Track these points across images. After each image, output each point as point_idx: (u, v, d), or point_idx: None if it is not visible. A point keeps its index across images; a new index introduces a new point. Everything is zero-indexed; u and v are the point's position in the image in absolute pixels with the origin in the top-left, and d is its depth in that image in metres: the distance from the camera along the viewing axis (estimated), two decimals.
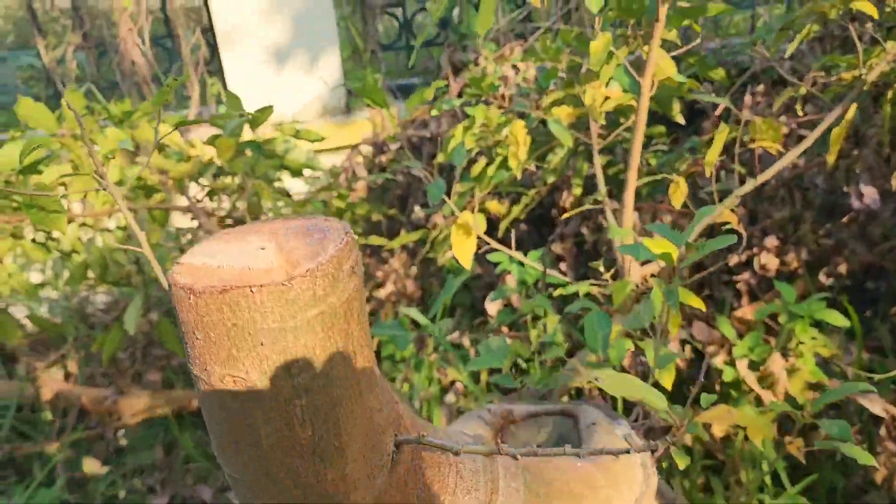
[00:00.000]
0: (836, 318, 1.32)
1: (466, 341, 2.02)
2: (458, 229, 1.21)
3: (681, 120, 1.62)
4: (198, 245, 0.45)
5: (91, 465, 1.57)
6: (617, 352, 0.65)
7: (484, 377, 1.75)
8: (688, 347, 1.58)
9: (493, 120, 1.62)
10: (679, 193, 1.10)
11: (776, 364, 1.27)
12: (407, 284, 2.16)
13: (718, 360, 1.38)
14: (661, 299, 0.78)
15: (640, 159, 1.82)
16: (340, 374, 0.42)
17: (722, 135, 1.10)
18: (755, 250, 1.88)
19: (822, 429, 0.61)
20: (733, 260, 1.87)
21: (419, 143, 2.50)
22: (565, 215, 1.26)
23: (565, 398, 1.21)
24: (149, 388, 2.53)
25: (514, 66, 2.43)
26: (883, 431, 1.35)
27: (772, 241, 1.89)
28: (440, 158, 1.62)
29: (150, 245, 1.49)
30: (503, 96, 1.97)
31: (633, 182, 0.98)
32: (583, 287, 1.03)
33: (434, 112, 1.79)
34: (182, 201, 1.96)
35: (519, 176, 1.44)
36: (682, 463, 0.54)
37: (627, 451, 0.45)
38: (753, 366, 1.36)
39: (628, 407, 1.39)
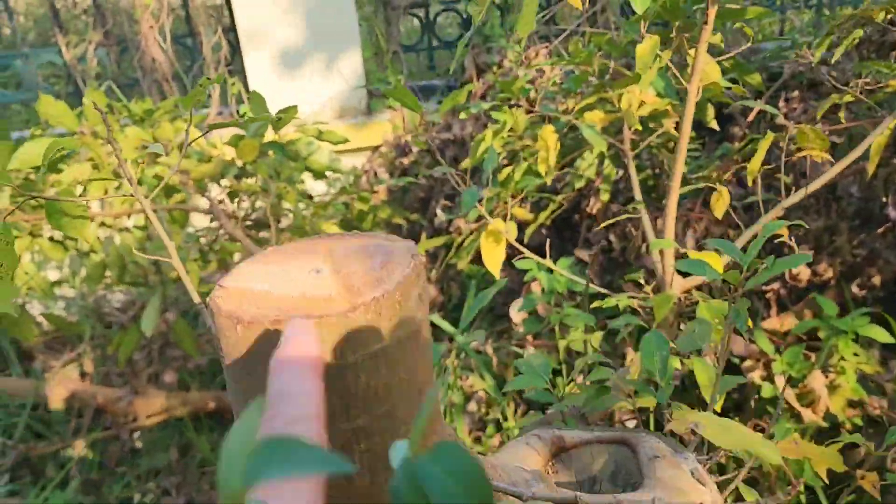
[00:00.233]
0: (880, 334, 1.27)
1: (489, 348, 1.98)
2: (487, 236, 1.17)
3: (715, 125, 1.57)
4: (243, 264, 0.40)
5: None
6: (666, 374, 0.61)
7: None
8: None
9: (521, 124, 1.58)
10: (721, 203, 1.05)
11: (817, 381, 1.22)
12: (429, 290, 2.13)
13: (755, 376, 1.32)
14: (715, 319, 0.74)
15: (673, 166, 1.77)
16: (404, 417, 0.38)
17: (766, 142, 1.05)
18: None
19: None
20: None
21: (442, 146, 2.46)
22: (602, 224, 1.21)
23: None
24: (164, 390, 2.50)
25: (540, 69, 2.39)
26: None
27: (803, 250, 1.83)
28: (467, 163, 1.57)
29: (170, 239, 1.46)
30: (529, 100, 1.93)
31: (676, 190, 0.93)
32: (622, 300, 0.98)
33: (462, 115, 1.75)
34: (201, 202, 1.93)
35: (549, 181, 1.40)
36: (750, 497, 0.50)
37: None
38: (792, 382, 1.31)
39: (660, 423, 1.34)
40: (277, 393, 0.32)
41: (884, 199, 1.76)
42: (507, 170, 1.67)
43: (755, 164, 1.04)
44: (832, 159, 1.11)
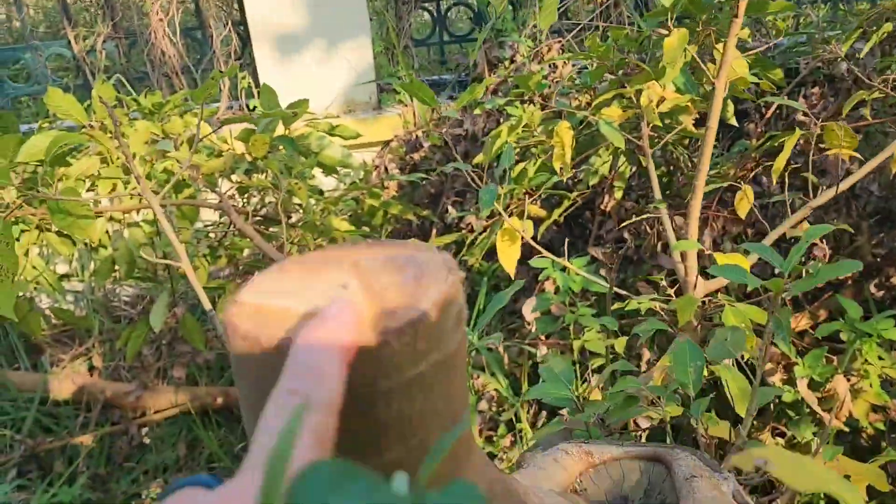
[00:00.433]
0: None
1: (500, 346, 1.96)
2: (503, 235, 1.14)
3: (734, 122, 1.54)
4: (260, 276, 0.36)
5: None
6: (699, 386, 0.58)
7: (525, 388, 1.68)
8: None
9: (536, 120, 1.55)
10: (745, 202, 1.02)
11: (841, 385, 1.19)
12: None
13: (775, 379, 1.29)
14: (742, 324, 0.71)
15: (689, 162, 1.73)
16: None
17: (792, 140, 1.02)
18: (802, 259, 1.79)
19: None
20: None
21: (453, 141, 2.43)
22: (624, 224, 1.18)
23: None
24: (173, 385, 2.49)
25: (553, 64, 2.35)
26: None
27: (822, 250, 1.80)
28: (481, 158, 1.55)
29: (179, 240, 1.44)
30: (543, 95, 1.90)
31: (700, 189, 0.90)
32: (644, 303, 0.95)
33: (477, 111, 1.73)
34: (211, 196, 1.90)
35: (566, 178, 1.37)
36: None
37: None
38: (813, 385, 1.28)
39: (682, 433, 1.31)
40: (301, 365, 0.30)
41: None
42: (521, 166, 1.64)
43: (780, 163, 1.01)
44: (861, 158, 1.08)
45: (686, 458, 0.51)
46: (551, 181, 1.38)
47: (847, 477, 0.58)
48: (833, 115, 1.83)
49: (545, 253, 1.13)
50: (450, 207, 2.30)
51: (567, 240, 2.19)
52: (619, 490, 0.52)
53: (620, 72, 1.46)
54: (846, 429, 1.33)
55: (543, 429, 0.73)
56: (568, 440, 0.68)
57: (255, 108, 2.87)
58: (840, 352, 1.41)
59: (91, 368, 2.60)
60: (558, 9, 2.88)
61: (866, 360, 1.25)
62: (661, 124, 1.25)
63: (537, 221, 1.89)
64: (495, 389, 1.81)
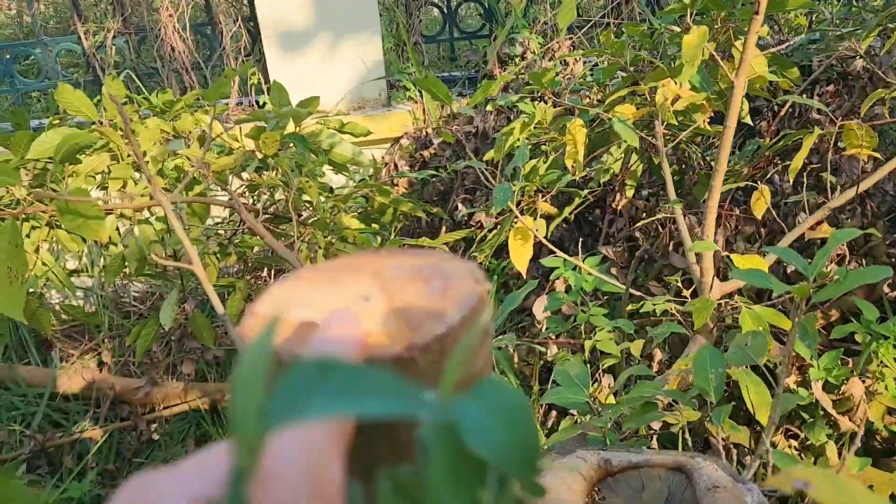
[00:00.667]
0: None
1: (510, 344, 1.94)
2: (516, 234, 1.13)
3: (748, 120, 1.52)
4: (277, 285, 0.35)
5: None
6: (720, 392, 0.57)
7: (535, 387, 1.67)
8: None
9: (549, 117, 1.53)
10: (762, 202, 1.01)
11: (856, 388, 1.17)
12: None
13: (790, 381, 1.28)
14: (760, 327, 0.69)
15: (701, 160, 1.72)
16: None
17: (810, 139, 1.01)
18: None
19: None
20: (790, 268, 1.76)
21: (464, 138, 2.42)
22: (640, 223, 1.17)
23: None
24: (182, 380, 2.49)
25: (564, 61, 2.34)
26: None
27: (837, 249, 1.77)
28: (492, 155, 1.53)
29: (190, 240, 1.43)
30: (555, 92, 1.88)
31: (718, 188, 0.89)
32: (660, 304, 0.94)
33: (489, 107, 1.71)
34: (221, 194, 1.90)
35: (578, 176, 1.36)
36: None
37: None
38: (828, 387, 1.26)
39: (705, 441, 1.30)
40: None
41: None
42: (532, 163, 1.63)
43: (798, 162, 0.99)
44: (879, 157, 1.06)
45: (708, 467, 0.50)
46: (564, 179, 1.37)
47: (870, 487, 0.57)
48: (848, 114, 1.81)
49: (557, 252, 1.12)
50: (459, 204, 2.29)
51: (577, 237, 2.18)
52: (639, 500, 0.51)
53: (633, 68, 1.44)
54: (861, 430, 1.31)
55: (558, 434, 0.72)
56: (583, 445, 0.67)
57: (264, 104, 2.86)
58: (855, 353, 1.40)
59: (100, 364, 2.60)
60: None
61: (882, 363, 1.24)
62: (675, 122, 1.24)
63: (548, 219, 1.88)
64: None
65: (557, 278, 1.52)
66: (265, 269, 2.59)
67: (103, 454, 2.33)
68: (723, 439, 0.58)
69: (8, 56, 2.98)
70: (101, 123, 1.39)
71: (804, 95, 1.96)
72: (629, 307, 0.97)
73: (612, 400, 1.11)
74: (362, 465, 0.30)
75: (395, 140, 2.71)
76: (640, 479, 0.53)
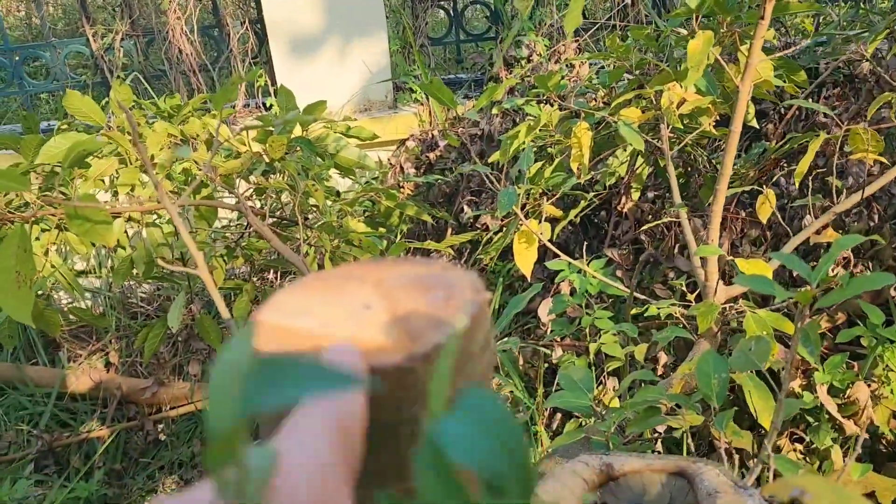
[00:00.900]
0: None
1: (514, 347, 1.95)
2: (520, 238, 1.13)
3: (755, 123, 1.52)
4: (282, 293, 0.35)
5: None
6: (723, 397, 0.57)
7: (540, 390, 1.68)
8: None
9: (554, 120, 1.54)
10: (767, 206, 1.01)
11: (862, 392, 1.17)
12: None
13: (794, 384, 1.28)
14: (764, 331, 0.70)
15: (707, 163, 1.72)
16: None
17: (816, 143, 1.01)
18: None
19: None
20: (796, 271, 1.76)
21: (469, 140, 2.43)
22: (645, 227, 1.17)
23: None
24: (189, 381, 2.50)
25: (570, 64, 2.34)
26: None
27: (842, 253, 1.77)
28: (496, 157, 1.54)
29: (198, 243, 1.44)
30: (560, 95, 1.89)
31: (723, 192, 0.89)
32: (665, 308, 0.94)
33: (495, 110, 1.72)
34: (228, 197, 1.91)
35: (584, 179, 1.36)
36: None
37: None
38: (833, 391, 1.26)
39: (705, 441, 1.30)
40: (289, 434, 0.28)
41: None
42: (538, 166, 1.63)
43: (803, 166, 0.99)
44: (886, 161, 1.06)
45: (709, 472, 0.50)
46: (569, 183, 1.37)
47: (872, 493, 0.57)
48: (854, 117, 1.80)
49: (562, 255, 1.12)
50: (465, 206, 2.29)
51: (583, 239, 2.18)
52: (640, 503, 0.51)
53: (639, 71, 1.45)
54: (866, 435, 1.31)
55: (562, 437, 0.73)
56: (587, 449, 0.67)
57: (271, 106, 2.88)
58: (860, 357, 1.40)
59: (108, 364, 2.62)
60: None
61: (888, 367, 1.24)
62: (681, 126, 1.24)
63: (553, 222, 1.89)
64: (510, 391, 1.80)
65: (562, 281, 1.53)
66: (272, 272, 2.60)
67: (110, 454, 2.34)
68: (726, 444, 0.59)
69: (17, 58, 3.00)
70: (110, 128, 1.40)
71: (811, 98, 1.96)
72: (633, 311, 0.97)
73: (616, 403, 1.11)
74: (365, 490, 0.30)
75: (401, 142, 2.72)
76: (642, 484, 0.54)
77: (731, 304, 0.95)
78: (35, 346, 2.65)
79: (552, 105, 1.55)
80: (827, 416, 1.24)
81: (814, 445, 1.32)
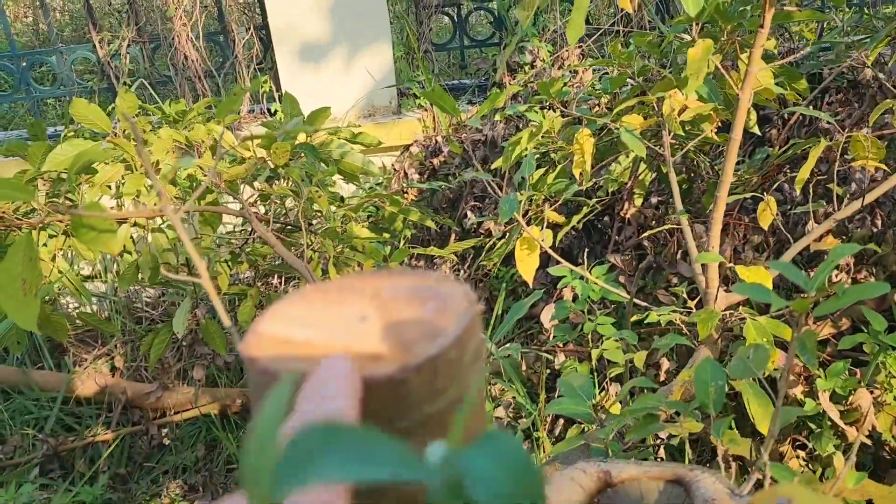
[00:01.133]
0: None
1: (516, 353, 1.95)
2: (522, 244, 1.14)
3: (756, 130, 1.52)
4: (280, 304, 0.36)
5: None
6: (720, 405, 0.57)
7: (542, 395, 1.68)
8: None
9: (557, 126, 1.54)
10: (769, 213, 1.01)
11: (864, 399, 1.17)
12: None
13: (797, 391, 1.28)
14: (764, 339, 0.70)
15: (710, 169, 1.72)
16: None
17: (817, 150, 1.01)
18: None
19: None
20: None
21: (472, 147, 2.43)
22: (647, 233, 1.18)
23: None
24: (193, 386, 2.51)
25: (573, 70, 2.35)
26: None
27: (845, 261, 1.77)
28: (499, 163, 1.54)
29: (202, 249, 1.45)
30: (563, 102, 1.89)
31: (723, 199, 0.90)
32: (665, 315, 0.95)
33: (498, 117, 1.72)
34: (232, 203, 1.92)
35: (586, 186, 1.37)
36: None
37: None
38: (835, 398, 1.26)
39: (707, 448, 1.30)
40: (310, 386, 0.29)
41: None
42: (540, 172, 1.63)
43: (804, 173, 1.00)
44: (887, 168, 1.07)
45: (706, 479, 0.50)
46: (571, 189, 1.38)
47: (869, 501, 0.58)
48: (857, 123, 1.80)
49: (564, 262, 1.13)
50: (468, 212, 2.30)
51: (586, 245, 2.18)
52: None
53: (641, 78, 1.45)
54: (868, 442, 1.31)
55: (562, 443, 0.73)
56: (586, 456, 0.68)
57: (276, 111, 2.89)
58: (863, 363, 1.40)
59: (113, 369, 2.63)
60: None
61: (890, 373, 1.24)
62: (682, 133, 1.24)
63: (556, 228, 1.89)
64: (513, 397, 1.81)
65: (565, 287, 1.53)
66: (276, 277, 2.61)
67: (115, 458, 2.35)
68: (724, 451, 0.59)
69: (24, 64, 3.03)
70: (115, 134, 1.41)
71: (815, 103, 1.96)
72: (634, 317, 0.97)
73: (618, 408, 1.12)
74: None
75: (405, 147, 2.73)
76: (640, 491, 0.54)
77: (732, 311, 0.96)
78: (41, 351, 2.67)
79: (555, 111, 1.56)
80: (829, 423, 1.25)
81: (816, 452, 1.32)
